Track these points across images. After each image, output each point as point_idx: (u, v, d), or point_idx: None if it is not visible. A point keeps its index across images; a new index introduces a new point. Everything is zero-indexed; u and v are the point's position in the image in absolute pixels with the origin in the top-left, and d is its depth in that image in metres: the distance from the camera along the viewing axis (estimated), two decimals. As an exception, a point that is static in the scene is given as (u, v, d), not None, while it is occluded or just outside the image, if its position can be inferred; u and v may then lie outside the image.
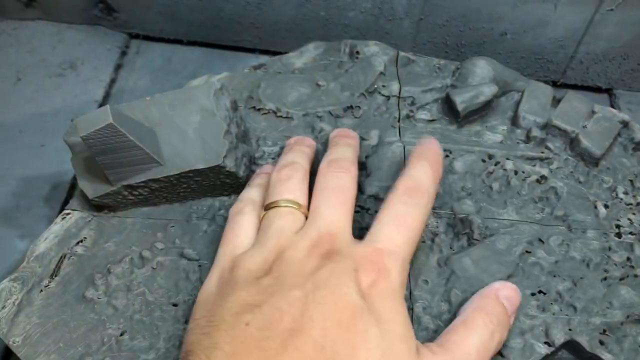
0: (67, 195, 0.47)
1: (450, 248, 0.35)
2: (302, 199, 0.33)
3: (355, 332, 0.26)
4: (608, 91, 0.59)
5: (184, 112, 0.35)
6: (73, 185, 0.48)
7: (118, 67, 0.57)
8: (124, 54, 0.58)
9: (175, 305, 0.32)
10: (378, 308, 0.28)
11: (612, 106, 0.58)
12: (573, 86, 0.58)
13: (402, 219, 0.31)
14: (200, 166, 0.33)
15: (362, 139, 0.40)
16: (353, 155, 0.35)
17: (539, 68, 0.57)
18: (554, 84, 0.58)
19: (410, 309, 0.33)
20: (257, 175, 0.37)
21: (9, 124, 0.51)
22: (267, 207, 0.33)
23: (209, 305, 0.29)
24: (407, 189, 0.32)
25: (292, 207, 0.32)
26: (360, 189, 0.37)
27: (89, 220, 0.35)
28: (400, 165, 0.38)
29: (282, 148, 0.39)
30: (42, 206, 0.46)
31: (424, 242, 0.36)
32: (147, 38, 0.60)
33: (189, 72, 0.57)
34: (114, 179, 0.33)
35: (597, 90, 0.59)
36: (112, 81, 0.56)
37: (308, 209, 0.32)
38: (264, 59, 0.47)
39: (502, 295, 0.31)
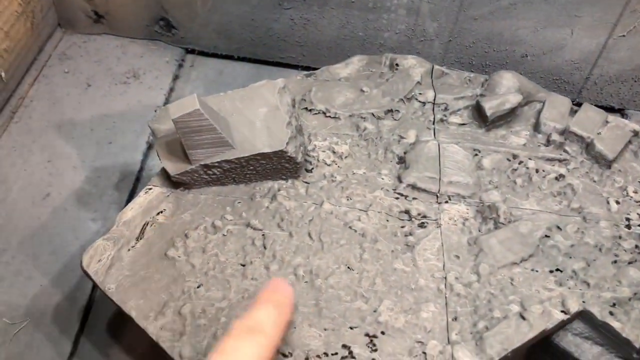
0: (134, 185, 0.53)
1: (479, 230, 0.40)
2: None
3: None
4: (620, 111, 0.64)
5: (252, 105, 0.41)
6: (138, 177, 0.54)
7: (175, 78, 0.63)
8: (180, 66, 0.65)
9: (243, 265, 0.37)
10: None
11: (625, 125, 0.63)
12: (588, 106, 0.63)
13: (234, 354, 0.27)
14: (266, 150, 0.39)
15: (400, 137, 0.45)
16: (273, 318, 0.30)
17: (556, 88, 0.62)
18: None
19: (444, 278, 0.38)
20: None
21: (81, 123, 0.57)
22: None
23: None
24: (246, 327, 0.29)
25: None
26: (400, 179, 0.43)
27: (168, 195, 0.41)
28: (435, 161, 0.44)
29: (330, 143, 0.45)
30: (112, 194, 0.52)
31: (455, 224, 0.41)
32: (202, 53, 0.66)
33: (239, 84, 0.63)
34: (193, 158, 0.39)
35: (611, 110, 0.64)
36: (171, 90, 0.62)
37: None
38: (311, 72, 0.53)
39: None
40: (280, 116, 0.40)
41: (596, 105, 0.63)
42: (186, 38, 0.65)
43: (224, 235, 0.39)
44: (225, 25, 0.63)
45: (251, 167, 0.40)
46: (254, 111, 0.40)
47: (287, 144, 0.39)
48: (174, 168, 0.39)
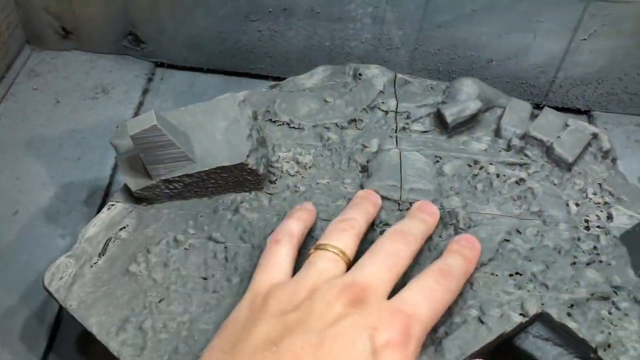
0: (102, 200, 0.53)
1: (440, 236, 0.41)
2: (350, 252, 0.35)
3: None
4: (587, 113, 0.65)
5: (213, 119, 0.41)
6: (107, 192, 0.54)
7: (145, 92, 0.64)
8: (150, 80, 0.65)
9: (205, 278, 0.38)
10: None
11: (590, 127, 0.64)
12: (554, 108, 0.64)
13: (430, 292, 0.33)
14: (227, 163, 0.39)
15: (363, 146, 0.46)
16: (422, 232, 0.38)
17: (522, 92, 0.63)
18: (537, 107, 0.64)
19: (404, 285, 0.38)
20: (298, 209, 0.39)
21: (50, 140, 0.57)
22: (317, 247, 0.35)
23: (237, 331, 0.31)
24: (441, 270, 0.35)
25: (338, 255, 0.34)
26: (362, 188, 0.43)
27: (131, 211, 0.41)
28: (396, 169, 0.44)
29: (294, 153, 0.45)
30: (81, 209, 0.52)
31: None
32: (171, 66, 0.67)
33: (209, 96, 0.63)
34: (154, 174, 0.39)
35: (577, 112, 0.65)
36: (140, 104, 0.63)
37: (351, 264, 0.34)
38: (277, 83, 0.54)
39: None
40: (240, 129, 0.41)
41: (562, 108, 0.65)
42: (155, 52, 0.65)
43: (185, 249, 0.39)
44: (193, 38, 0.63)
45: (213, 181, 0.40)
46: (215, 125, 0.41)
47: (248, 156, 0.40)
48: (136, 184, 0.40)
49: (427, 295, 0.33)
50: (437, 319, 0.33)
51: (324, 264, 0.34)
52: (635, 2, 0.55)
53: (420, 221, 0.39)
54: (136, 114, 0.61)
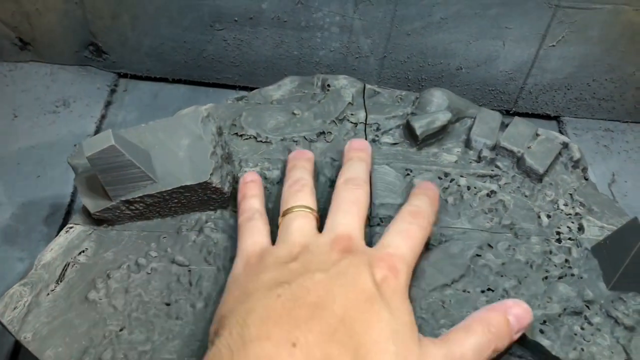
0: (63, 219, 0.51)
1: (411, 253, 0.40)
2: (313, 206, 0.38)
3: (370, 312, 0.31)
4: (556, 118, 0.65)
5: (175, 136, 0.39)
6: (69, 211, 0.52)
7: (108, 104, 0.62)
8: (113, 91, 0.63)
9: (167, 304, 0.36)
10: (389, 298, 0.32)
11: (560, 132, 0.64)
12: (524, 114, 0.64)
13: (406, 232, 0.37)
14: (189, 182, 0.38)
15: (332, 160, 0.45)
16: (366, 171, 0.41)
17: (492, 98, 0.63)
18: (507, 113, 0.64)
19: None
20: (246, 186, 0.41)
21: (8, 157, 0.55)
22: (284, 213, 0.38)
23: (242, 283, 0.33)
24: (410, 212, 0.38)
25: (306, 211, 0.37)
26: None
27: (90, 233, 0.39)
28: (366, 182, 0.43)
29: (262, 169, 0.44)
30: (41, 230, 0.50)
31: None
32: (135, 77, 0.65)
33: (175, 107, 0.62)
34: (113, 194, 0.37)
35: (547, 117, 0.65)
36: (103, 117, 0.61)
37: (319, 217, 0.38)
38: (244, 94, 0.53)
39: (511, 312, 0.35)
40: (203, 146, 0.39)
41: (532, 114, 0.65)
42: (118, 62, 0.63)
43: (148, 273, 0.37)
44: (157, 48, 0.61)
45: (176, 200, 0.39)
46: (177, 142, 0.39)
47: (212, 174, 0.38)
48: (95, 205, 0.38)
49: (404, 235, 0.36)
50: (417, 253, 0.37)
51: (299, 222, 0.36)
52: (601, 8, 0.55)
53: (359, 162, 0.42)
54: (99, 127, 0.59)
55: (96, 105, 0.61)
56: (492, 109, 0.62)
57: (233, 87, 0.65)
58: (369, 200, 0.39)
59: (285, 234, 0.36)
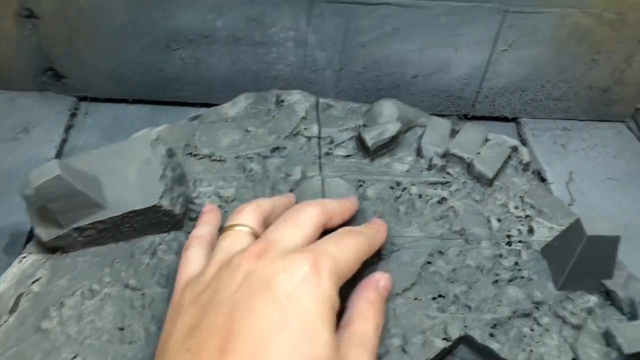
0: (24, 246, 0.51)
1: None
2: (251, 222, 0.36)
3: (279, 331, 0.29)
4: (514, 120, 0.66)
5: (125, 161, 0.40)
6: (30, 237, 0.52)
7: (69, 128, 0.62)
8: (73, 115, 0.63)
9: (121, 329, 0.37)
10: (303, 308, 0.30)
11: (519, 133, 0.65)
12: (483, 117, 0.65)
13: (338, 238, 0.35)
14: (139, 207, 0.38)
15: (287, 175, 0.46)
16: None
17: (450, 104, 0.64)
18: (465, 117, 0.65)
19: None
20: (203, 214, 0.41)
21: (-32, 185, 0.55)
22: (219, 234, 0.36)
23: (165, 336, 0.32)
24: (348, 229, 0.37)
25: (241, 228, 0.36)
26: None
27: (44, 262, 0.40)
28: (319, 195, 0.44)
29: (216, 187, 0.44)
30: (1, 258, 0.50)
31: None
32: (95, 99, 0.65)
33: (136, 128, 0.62)
34: (64, 222, 0.38)
35: (505, 120, 0.66)
36: (64, 141, 0.61)
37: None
38: (203, 111, 0.53)
39: (382, 285, 0.36)
40: (153, 169, 0.40)
41: (490, 117, 0.66)
42: (77, 86, 0.63)
43: (101, 299, 0.38)
44: (115, 70, 0.62)
45: (127, 225, 0.39)
46: (127, 167, 0.40)
47: (161, 197, 0.39)
48: (47, 234, 0.38)
49: (334, 240, 0.34)
50: (351, 261, 0.34)
51: (227, 240, 0.35)
52: (549, 12, 0.56)
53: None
54: (59, 152, 0.59)
55: (57, 130, 0.61)
56: (451, 114, 0.64)
57: (193, 105, 0.65)
58: (320, 219, 0.36)
59: (212, 254, 0.35)
